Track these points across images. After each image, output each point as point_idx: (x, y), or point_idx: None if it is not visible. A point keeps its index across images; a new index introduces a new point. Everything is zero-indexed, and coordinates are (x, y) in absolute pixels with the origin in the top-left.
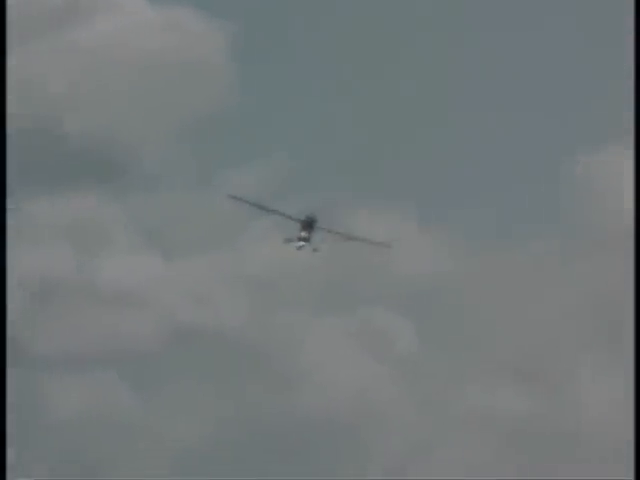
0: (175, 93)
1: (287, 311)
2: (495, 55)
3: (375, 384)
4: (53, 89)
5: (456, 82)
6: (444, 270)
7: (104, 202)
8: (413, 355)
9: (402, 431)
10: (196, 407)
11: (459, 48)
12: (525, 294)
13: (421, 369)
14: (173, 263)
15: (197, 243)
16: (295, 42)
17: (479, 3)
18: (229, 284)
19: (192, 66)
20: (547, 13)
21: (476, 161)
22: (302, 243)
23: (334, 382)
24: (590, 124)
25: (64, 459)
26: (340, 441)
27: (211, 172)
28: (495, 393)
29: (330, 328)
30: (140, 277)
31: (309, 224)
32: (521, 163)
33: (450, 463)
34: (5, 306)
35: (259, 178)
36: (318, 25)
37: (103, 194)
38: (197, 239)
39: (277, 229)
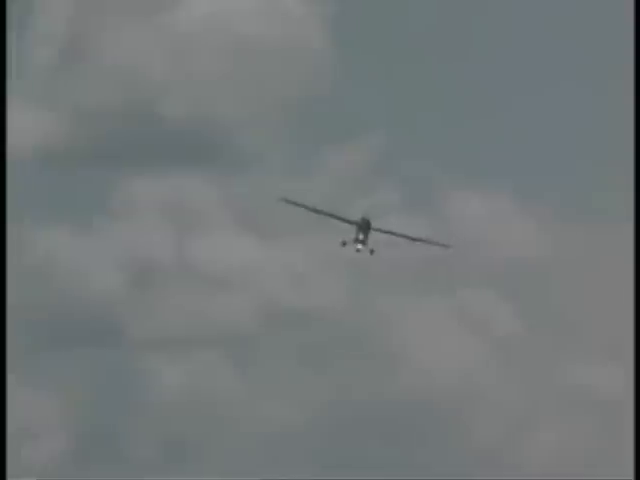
0: (272, 75)
1: (387, 292)
2: None
3: (476, 365)
4: (150, 72)
5: None
6: (542, 250)
7: (201, 184)
8: (514, 336)
9: (504, 412)
10: (296, 389)
11: None
12: (628, 273)
13: (523, 350)
14: (271, 244)
15: (294, 224)
16: (392, 25)
17: None
18: (327, 265)
19: (290, 49)
20: None
21: (570, 139)
22: (360, 246)
23: (435, 364)
24: None
25: (168, 440)
26: (441, 423)
27: (307, 153)
28: (598, 373)
29: (431, 309)
30: (239, 258)
31: (364, 227)
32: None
33: (553, 444)
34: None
35: (353, 159)
36: (413, 8)
37: (200, 176)
38: (294, 220)
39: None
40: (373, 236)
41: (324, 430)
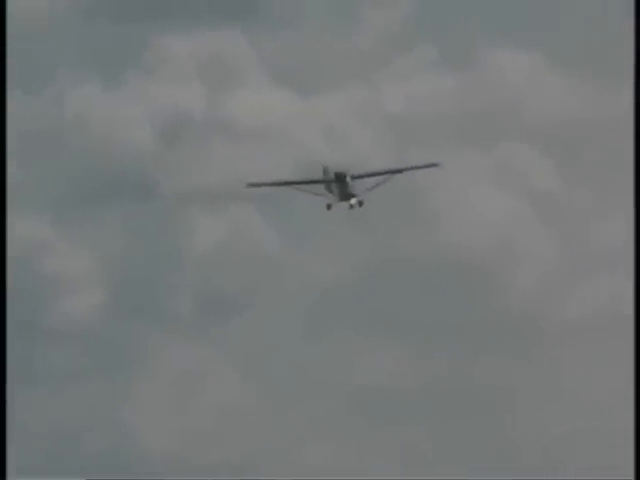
0: None
1: (424, 147)
2: None
3: (515, 222)
4: None
5: None
6: (574, 110)
7: (236, 38)
8: (554, 193)
9: (542, 270)
10: (333, 246)
11: None
12: None
13: (562, 207)
14: (308, 99)
15: (333, 79)
16: None
17: None
18: (365, 120)
19: None
20: None
21: None
22: (353, 201)
23: (472, 219)
24: None
25: (205, 293)
26: (478, 280)
27: (346, 11)
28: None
29: (468, 164)
30: (274, 113)
31: (342, 181)
32: None
33: (589, 300)
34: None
35: (390, 17)
36: None
37: (235, 31)
38: (333, 75)
39: None
40: (357, 184)
41: (361, 287)
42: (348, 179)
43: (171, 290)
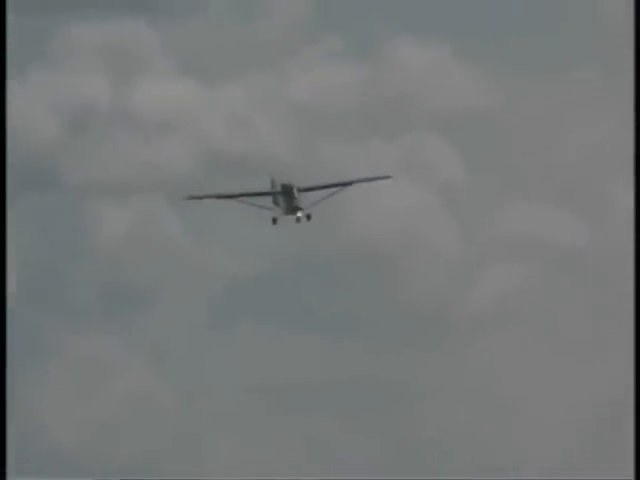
0: None
1: (329, 137)
2: None
3: (421, 212)
4: None
5: None
6: (484, 100)
7: (141, 28)
8: (458, 183)
9: (446, 261)
10: (243, 239)
11: None
12: (569, 122)
13: (466, 196)
14: (213, 88)
15: (238, 69)
16: None
17: None
18: (270, 110)
19: None
20: None
21: None
22: (299, 214)
23: (378, 210)
24: None
25: (111, 284)
26: (385, 271)
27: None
28: (540, 220)
29: (373, 154)
30: (179, 103)
31: (289, 193)
32: None
33: (493, 289)
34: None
35: (295, 6)
36: None
37: (140, 21)
38: (238, 65)
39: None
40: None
41: (268, 281)
42: (295, 191)
43: (76, 281)
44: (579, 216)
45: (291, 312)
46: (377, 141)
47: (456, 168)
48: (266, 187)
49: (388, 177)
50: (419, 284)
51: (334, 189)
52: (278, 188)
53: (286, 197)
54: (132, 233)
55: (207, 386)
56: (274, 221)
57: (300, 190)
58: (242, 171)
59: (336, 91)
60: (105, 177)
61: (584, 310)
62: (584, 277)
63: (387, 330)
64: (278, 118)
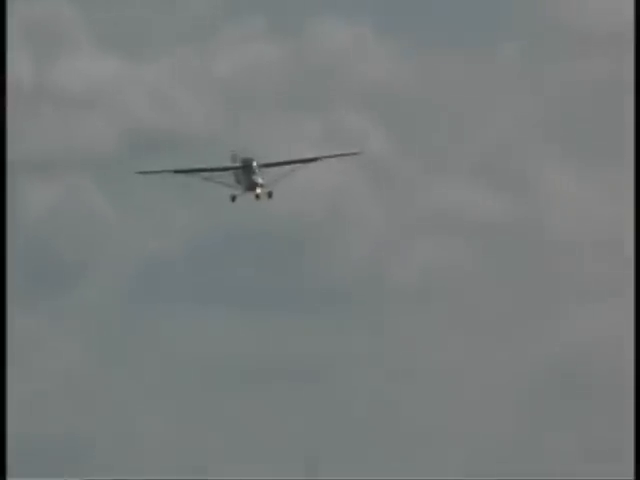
0: None
1: (252, 113)
2: None
3: (345, 188)
4: None
5: None
6: (402, 77)
7: (64, 5)
8: (383, 157)
9: (371, 234)
10: (171, 217)
11: None
12: (494, 96)
13: (390, 170)
14: (136, 64)
15: (162, 46)
16: None
17: None
18: (194, 87)
19: None
20: None
21: None
22: (259, 190)
23: (303, 187)
24: None
25: (36, 261)
26: (309, 248)
27: None
28: (465, 194)
29: (297, 130)
30: (103, 80)
31: (249, 169)
32: None
33: (418, 265)
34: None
35: None
36: None
37: None
38: (162, 42)
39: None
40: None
41: (194, 257)
42: (254, 166)
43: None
44: (502, 191)
45: (217, 288)
46: (301, 116)
47: (380, 142)
48: (215, 164)
49: (356, 153)
50: (343, 261)
51: (297, 165)
52: (239, 163)
53: (245, 172)
54: (57, 210)
55: (137, 362)
56: (233, 199)
57: (260, 165)
58: (166, 147)
59: (260, 68)
60: (28, 154)
61: (507, 285)
62: (507, 252)
63: (308, 306)
64: (202, 95)
